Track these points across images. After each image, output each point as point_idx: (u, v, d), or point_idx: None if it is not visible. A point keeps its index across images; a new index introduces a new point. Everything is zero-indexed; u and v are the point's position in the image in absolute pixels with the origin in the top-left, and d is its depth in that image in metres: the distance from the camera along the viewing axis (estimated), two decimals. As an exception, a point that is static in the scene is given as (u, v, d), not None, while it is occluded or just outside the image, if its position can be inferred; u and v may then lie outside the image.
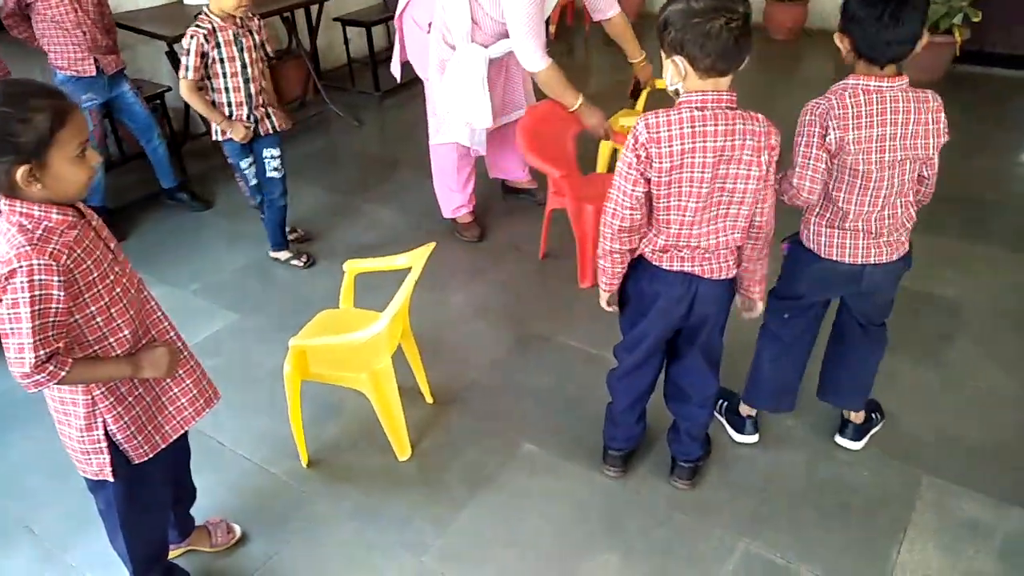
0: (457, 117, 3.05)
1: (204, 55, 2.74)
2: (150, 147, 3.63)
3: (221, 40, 2.76)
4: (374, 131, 4.70)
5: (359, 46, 5.27)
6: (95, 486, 1.61)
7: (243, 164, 3.06)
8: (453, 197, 3.38)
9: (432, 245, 2.18)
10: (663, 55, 1.60)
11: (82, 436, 1.50)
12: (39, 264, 1.28)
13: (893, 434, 2.28)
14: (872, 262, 1.87)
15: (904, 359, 2.55)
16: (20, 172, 1.26)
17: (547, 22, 6.54)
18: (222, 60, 2.78)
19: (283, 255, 3.29)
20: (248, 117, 2.92)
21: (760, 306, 1.93)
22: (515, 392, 2.54)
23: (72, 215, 1.37)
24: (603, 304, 1.93)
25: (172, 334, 1.63)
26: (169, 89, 3.96)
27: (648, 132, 1.57)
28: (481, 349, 2.76)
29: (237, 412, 2.48)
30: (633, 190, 1.63)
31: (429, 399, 2.50)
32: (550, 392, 2.53)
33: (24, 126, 1.24)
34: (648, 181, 1.62)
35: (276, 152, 3.07)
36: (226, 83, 2.83)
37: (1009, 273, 3.00)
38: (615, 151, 3.36)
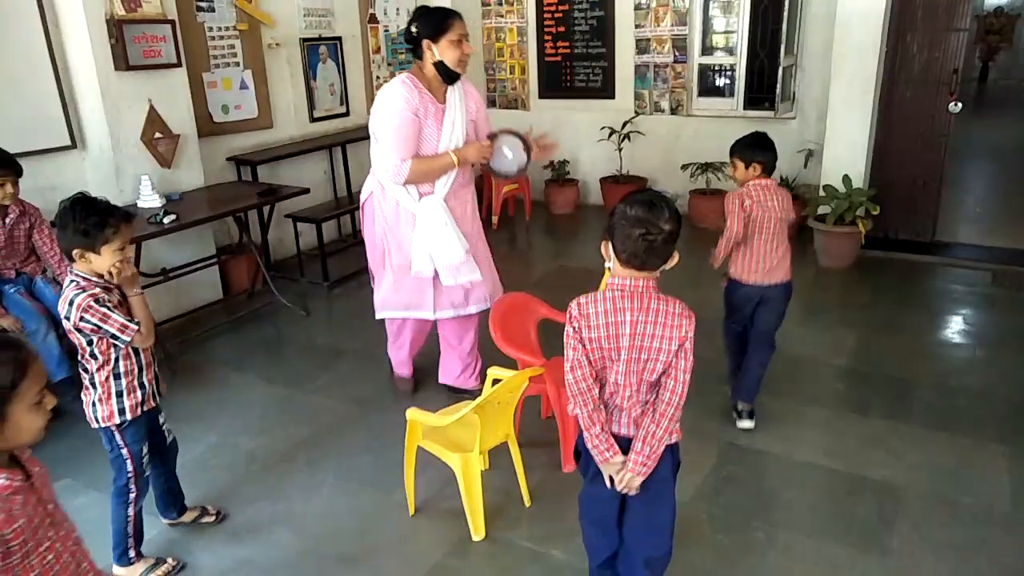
0: (426, 261, 3.25)
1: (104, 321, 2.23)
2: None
3: (109, 306, 2.25)
4: (321, 320, 4.79)
5: (309, 239, 5.50)
6: None
7: (145, 450, 2.47)
8: (397, 352, 3.71)
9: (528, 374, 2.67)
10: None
11: None
12: None
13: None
14: (768, 283, 3.14)
15: (847, 549, 2.56)
16: None
17: (490, 213, 6.99)
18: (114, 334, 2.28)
19: (187, 517, 2.77)
20: (141, 387, 2.40)
21: (632, 480, 1.89)
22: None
23: (19, 479, 1.33)
24: (619, 484, 1.92)
25: None
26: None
27: (579, 310, 1.87)
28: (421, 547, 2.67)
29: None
30: (575, 355, 1.87)
31: (527, 501, 2.83)
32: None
33: None
34: (585, 347, 1.87)
35: (163, 415, 2.61)
36: (117, 353, 2.32)
37: (933, 453, 3.10)
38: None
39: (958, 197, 6.77)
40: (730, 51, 6.25)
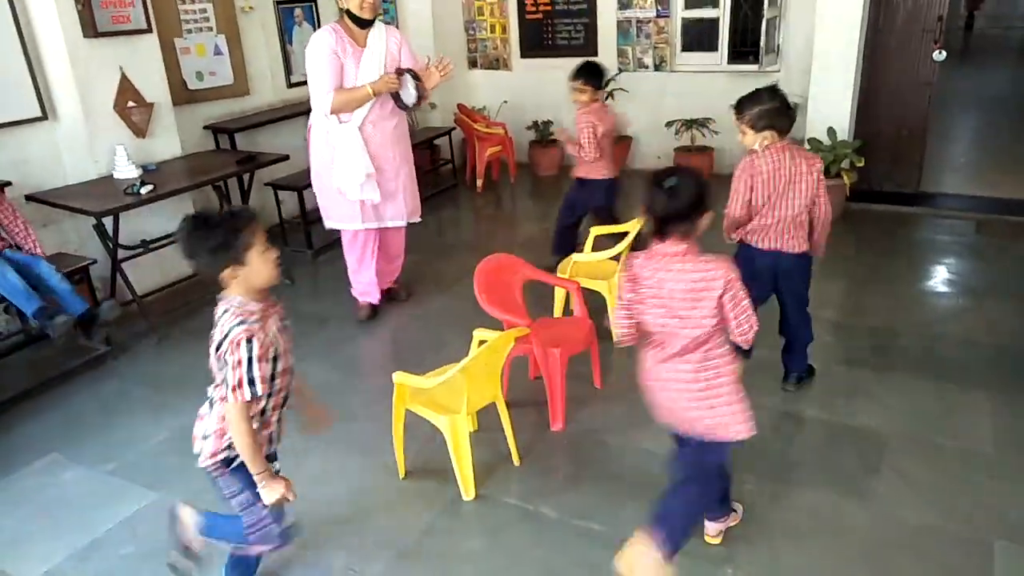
0: (347, 181, 3.75)
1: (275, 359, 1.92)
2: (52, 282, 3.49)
3: (272, 332, 1.94)
4: (306, 288, 4.75)
5: (291, 207, 5.43)
6: None
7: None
8: (357, 276, 4.14)
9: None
10: (752, 132, 2.79)
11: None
12: None
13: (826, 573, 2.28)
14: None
15: (832, 495, 2.60)
16: None
17: (474, 176, 6.98)
18: (275, 358, 1.94)
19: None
20: (273, 437, 2.09)
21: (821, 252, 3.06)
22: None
23: None
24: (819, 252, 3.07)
25: None
26: (95, 262, 3.99)
27: (751, 164, 2.83)
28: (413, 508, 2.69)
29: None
30: (741, 195, 2.86)
31: (516, 460, 2.87)
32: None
33: None
34: (751, 190, 2.84)
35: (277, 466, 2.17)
36: (271, 387, 1.95)
37: (917, 400, 3.14)
38: (568, 295, 3.55)
39: (942, 147, 6.77)
40: (713, 3, 6.14)
